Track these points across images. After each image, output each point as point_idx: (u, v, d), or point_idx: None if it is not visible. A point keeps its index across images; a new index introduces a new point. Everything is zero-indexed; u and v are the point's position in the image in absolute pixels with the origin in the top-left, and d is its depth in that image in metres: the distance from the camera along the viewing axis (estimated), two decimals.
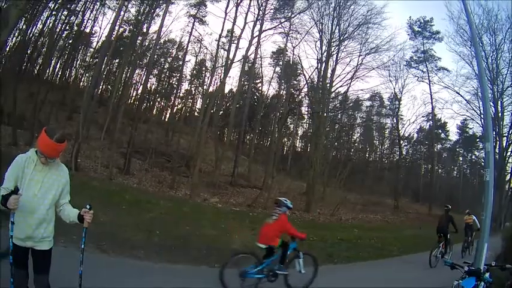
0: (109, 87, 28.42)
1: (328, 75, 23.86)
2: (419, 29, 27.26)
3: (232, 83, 31.85)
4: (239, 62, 23.75)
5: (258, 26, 22.65)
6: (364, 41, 24.18)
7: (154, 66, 27.28)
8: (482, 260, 6.06)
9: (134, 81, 28.15)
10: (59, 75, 26.93)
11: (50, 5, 21.05)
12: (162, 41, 26.17)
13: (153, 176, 18.87)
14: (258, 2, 22.23)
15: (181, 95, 32.86)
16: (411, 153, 34.87)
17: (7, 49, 19.20)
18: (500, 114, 22.69)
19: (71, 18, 23.86)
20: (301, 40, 24.54)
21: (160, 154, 21.52)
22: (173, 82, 31.12)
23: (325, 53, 23.74)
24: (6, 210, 2.78)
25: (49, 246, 3.13)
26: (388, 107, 31.41)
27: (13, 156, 3.04)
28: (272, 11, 23.53)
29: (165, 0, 22.60)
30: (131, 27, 25.79)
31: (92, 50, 27.59)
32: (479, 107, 23.09)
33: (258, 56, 26.12)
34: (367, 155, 36.39)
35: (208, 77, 29.40)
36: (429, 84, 26.84)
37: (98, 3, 24.13)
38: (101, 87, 27.12)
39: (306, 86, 26.70)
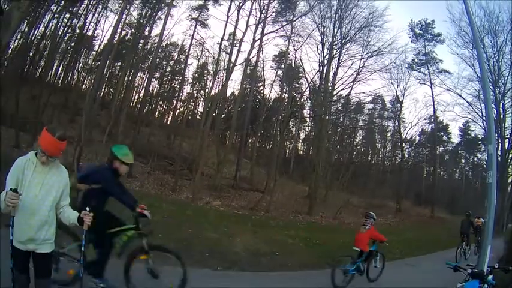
0: (111, 90, 28.51)
1: (330, 78, 23.98)
2: (421, 32, 27.20)
3: (234, 86, 31.91)
4: (241, 65, 23.73)
5: (259, 29, 22.68)
6: (366, 44, 24.28)
7: (156, 69, 27.36)
8: (485, 262, 6.03)
9: (136, 84, 28.33)
10: (61, 78, 27.08)
11: (52, 7, 21.18)
12: (164, 44, 26.33)
13: (156, 179, 18.87)
14: (259, 5, 22.30)
15: (183, 98, 32.97)
16: (413, 155, 34.81)
17: (9, 51, 19.31)
18: (502, 116, 22.61)
19: (73, 21, 23.97)
20: (303, 43, 24.64)
21: (162, 157, 21.55)
22: (175, 85, 31.21)
23: (327, 56, 23.82)
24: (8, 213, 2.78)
25: (50, 249, 3.12)
26: (390, 110, 31.41)
27: (15, 159, 3.04)
28: (274, 14, 23.56)
29: (167, 4, 22.70)
30: (133, 30, 25.91)
31: (94, 52, 27.76)
32: (481, 109, 23.13)
33: (260, 59, 26.18)
34: (369, 158, 36.41)
35: (210, 80, 29.38)
36: (431, 87, 26.79)
37: (100, 6, 24.26)
38: (103, 90, 27.19)
39: (307, 89, 26.66)
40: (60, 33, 23.23)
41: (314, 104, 25.56)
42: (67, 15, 22.90)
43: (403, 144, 29.22)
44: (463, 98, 24.77)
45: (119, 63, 26.90)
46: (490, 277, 4.28)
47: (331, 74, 23.97)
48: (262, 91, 32.30)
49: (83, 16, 23.84)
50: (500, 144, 21.79)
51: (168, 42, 27.71)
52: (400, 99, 27.52)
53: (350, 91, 25.49)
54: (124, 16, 22.59)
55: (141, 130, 22.13)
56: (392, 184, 29.60)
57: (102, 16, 25.35)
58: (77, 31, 24.85)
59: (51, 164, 3.08)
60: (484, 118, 21.92)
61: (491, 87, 20.84)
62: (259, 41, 22.89)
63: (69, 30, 24.42)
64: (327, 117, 23.90)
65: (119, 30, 22.38)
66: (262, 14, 22.42)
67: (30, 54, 22.25)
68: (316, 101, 24.65)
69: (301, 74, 28.20)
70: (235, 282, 6.73)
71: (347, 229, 17.46)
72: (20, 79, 18.52)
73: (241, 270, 7.67)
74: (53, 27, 22.23)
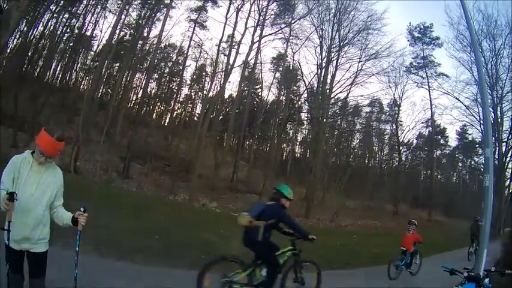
0: (109, 90, 28.34)
1: (328, 81, 23.94)
2: (419, 35, 27.21)
3: (232, 88, 31.70)
4: (239, 67, 23.81)
5: (258, 32, 22.79)
6: (364, 47, 24.23)
7: (155, 71, 27.30)
8: (481, 266, 6.02)
9: (134, 85, 28.17)
10: (59, 78, 26.90)
11: (51, 7, 21.16)
12: (162, 45, 26.21)
13: (153, 180, 18.83)
14: (258, 8, 22.37)
15: (181, 99, 32.80)
16: (410, 159, 34.71)
17: (8, 51, 19.27)
18: (499, 119, 22.63)
19: (72, 21, 23.91)
20: (301, 46, 24.67)
21: (159, 158, 21.49)
22: (173, 86, 31.07)
23: (325, 59, 23.85)
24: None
25: (45, 249, 3.12)
26: (387, 113, 31.28)
27: None
28: (272, 16, 23.64)
29: (166, 5, 22.71)
30: (132, 31, 25.83)
31: (92, 53, 27.60)
32: (478, 113, 23.06)
33: (258, 62, 26.09)
34: (366, 161, 36.32)
35: (208, 82, 29.35)
36: (429, 90, 26.76)
37: (99, 7, 24.21)
38: (101, 90, 27.06)
39: (305, 91, 26.72)
40: (59, 33, 23.19)
41: (312, 107, 25.59)
42: (66, 15, 22.88)
43: (401, 148, 29.20)
44: (461, 102, 24.78)
45: (117, 64, 26.77)
46: (487, 280, 4.27)
47: (329, 76, 23.97)
48: (260, 93, 32.21)
49: (81, 16, 23.80)
50: (497, 148, 21.85)
51: (167, 44, 27.66)
52: (398, 103, 27.56)
53: (348, 94, 25.40)
54: (123, 17, 22.67)
55: (139, 131, 22.05)
56: (390, 187, 29.53)
57: (101, 16, 25.26)
58: (76, 31, 24.80)
59: (47, 164, 3.07)
60: (481, 122, 21.96)
61: (488, 90, 20.94)
62: (257, 43, 22.99)
63: (68, 30, 24.36)
64: (325, 120, 23.91)
65: (117, 31, 22.41)
66: (261, 16, 22.53)
67: (29, 53, 22.18)
68: (314, 104, 24.69)
69: (299, 77, 28.17)
70: None
71: (344, 232, 17.50)
72: (19, 78, 18.49)
73: None
74: (51, 27, 22.22)
